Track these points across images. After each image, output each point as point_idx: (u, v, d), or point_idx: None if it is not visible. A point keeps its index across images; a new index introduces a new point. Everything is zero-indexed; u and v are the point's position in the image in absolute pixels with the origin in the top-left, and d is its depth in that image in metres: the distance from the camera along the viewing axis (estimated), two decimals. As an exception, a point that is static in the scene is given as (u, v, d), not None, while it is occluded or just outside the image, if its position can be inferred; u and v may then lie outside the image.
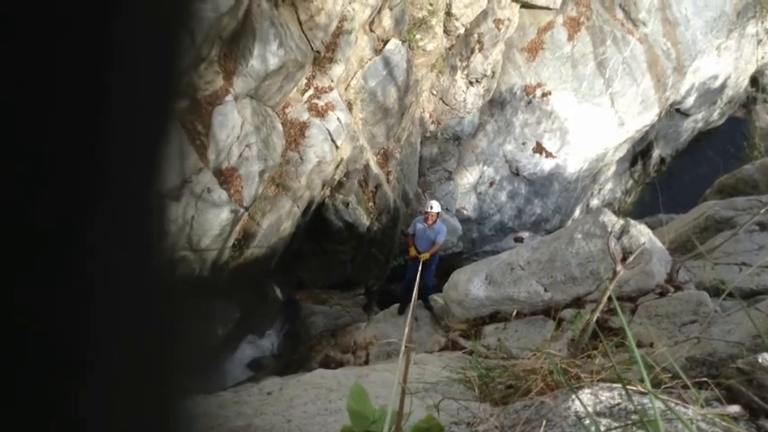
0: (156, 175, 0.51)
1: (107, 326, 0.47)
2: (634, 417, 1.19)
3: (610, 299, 4.64)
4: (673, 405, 1.20)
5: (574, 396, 1.33)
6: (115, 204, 0.47)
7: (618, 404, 1.31)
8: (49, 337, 0.43)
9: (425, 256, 8.66)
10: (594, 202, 18.40)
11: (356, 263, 12.31)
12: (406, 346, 1.55)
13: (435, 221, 8.74)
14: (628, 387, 1.27)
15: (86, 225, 0.44)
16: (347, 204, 11.35)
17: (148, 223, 0.53)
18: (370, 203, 11.89)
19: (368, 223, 11.75)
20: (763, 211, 5.93)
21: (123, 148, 0.47)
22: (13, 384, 0.43)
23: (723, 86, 19.17)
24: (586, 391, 1.39)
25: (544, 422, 1.29)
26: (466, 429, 1.56)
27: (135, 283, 0.50)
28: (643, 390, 1.40)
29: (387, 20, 11.30)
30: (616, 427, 1.20)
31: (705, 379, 1.50)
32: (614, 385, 1.42)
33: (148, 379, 0.54)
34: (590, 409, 1.27)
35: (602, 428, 1.16)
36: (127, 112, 0.46)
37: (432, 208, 8.74)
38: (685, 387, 1.56)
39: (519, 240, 14.83)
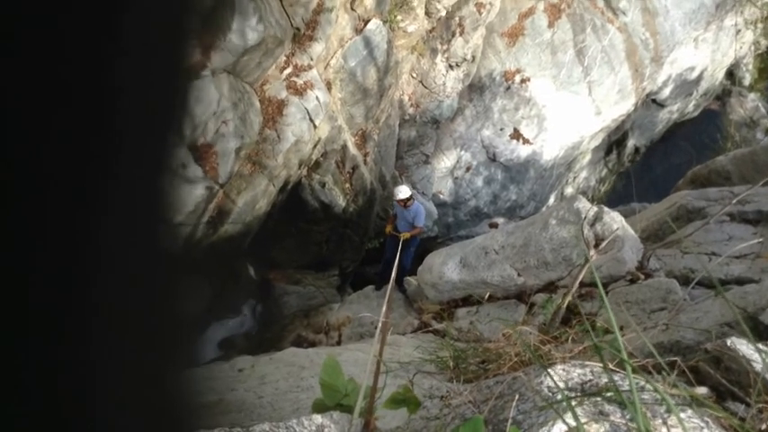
0: (167, 156, 0.53)
1: (114, 310, 0.48)
2: (610, 394, 1.21)
3: (581, 284, 4.69)
4: (646, 381, 1.21)
5: (546, 372, 1.34)
6: (124, 186, 0.48)
7: (590, 380, 1.33)
8: (57, 330, 0.43)
9: (406, 235, 8.70)
10: (569, 190, 18.56)
11: (331, 244, 12.29)
12: (383, 321, 1.55)
13: (410, 204, 8.77)
14: (605, 364, 1.29)
15: (95, 212, 0.45)
16: (323, 185, 11.31)
17: (158, 205, 0.54)
18: (347, 184, 11.85)
19: (344, 204, 11.72)
20: (734, 201, 6.02)
21: (134, 131, 0.48)
22: (21, 379, 0.43)
23: (699, 78, 19.38)
24: (559, 367, 1.41)
25: (517, 396, 1.31)
26: (439, 403, 1.57)
27: (142, 264, 0.52)
28: (616, 368, 1.41)
29: (368, -1, 11.21)
30: (587, 395, 1.21)
31: (675, 359, 1.53)
32: (587, 363, 1.43)
33: (154, 362, 0.55)
34: (561, 385, 1.29)
35: (574, 403, 1.17)
36: (136, 94, 0.47)
37: (398, 195, 8.78)
38: (654, 368, 1.59)
39: (494, 226, 14.90)
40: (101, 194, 0.44)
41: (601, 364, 1.31)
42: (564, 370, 1.38)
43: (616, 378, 1.30)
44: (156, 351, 0.56)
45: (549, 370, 1.35)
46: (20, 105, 0.39)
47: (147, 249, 0.53)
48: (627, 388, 1.16)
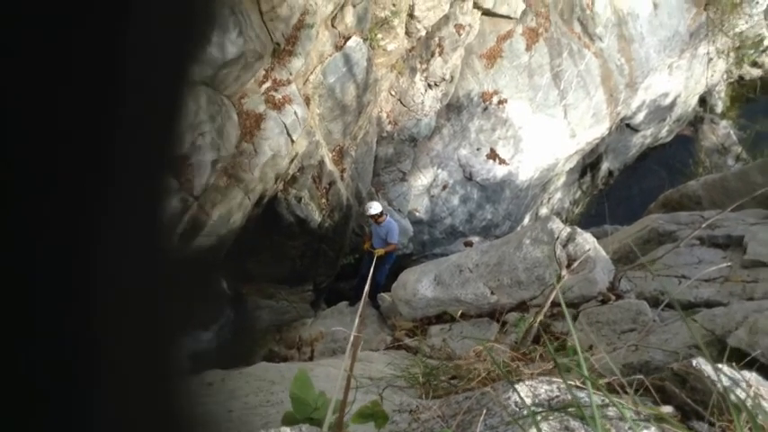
0: (167, 162, 0.53)
1: (116, 316, 0.47)
2: (572, 409, 1.23)
3: (553, 304, 4.73)
4: (606, 397, 1.23)
5: (514, 387, 1.36)
6: (125, 192, 0.47)
7: (556, 396, 1.35)
8: (59, 333, 0.43)
9: (380, 251, 8.74)
10: (543, 211, 18.73)
11: (306, 258, 12.23)
12: (354, 336, 1.56)
13: (381, 220, 8.81)
14: (567, 382, 1.31)
15: (96, 217, 0.44)
16: (300, 199, 11.27)
17: (156, 214, 0.54)
18: (323, 200, 11.82)
19: (319, 219, 11.69)
20: (704, 225, 6.13)
21: (136, 135, 0.47)
22: (23, 383, 0.42)
23: (673, 104, 19.78)
24: (526, 383, 1.43)
25: (484, 411, 1.32)
26: (408, 417, 1.58)
27: (143, 271, 0.51)
28: (581, 385, 1.43)
29: (349, 17, 11.27)
30: (553, 410, 1.23)
31: (641, 377, 1.56)
32: (553, 379, 1.45)
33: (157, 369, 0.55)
34: (529, 401, 1.30)
35: (540, 418, 1.18)
36: (139, 103, 0.47)
37: (368, 210, 8.85)
38: (621, 387, 1.61)
39: (468, 245, 14.93)
40: (101, 198, 0.44)
41: (568, 382, 1.33)
42: (531, 386, 1.40)
43: (582, 395, 1.32)
44: (156, 357, 0.55)
45: (517, 386, 1.37)
46: (22, 106, 0.38)
47: (146, 252, 0.52)
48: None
